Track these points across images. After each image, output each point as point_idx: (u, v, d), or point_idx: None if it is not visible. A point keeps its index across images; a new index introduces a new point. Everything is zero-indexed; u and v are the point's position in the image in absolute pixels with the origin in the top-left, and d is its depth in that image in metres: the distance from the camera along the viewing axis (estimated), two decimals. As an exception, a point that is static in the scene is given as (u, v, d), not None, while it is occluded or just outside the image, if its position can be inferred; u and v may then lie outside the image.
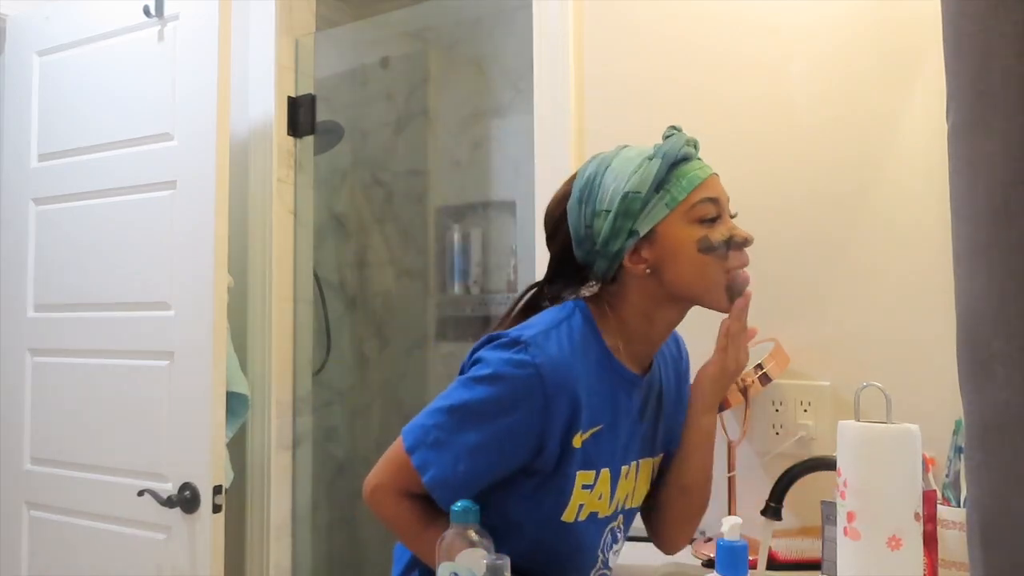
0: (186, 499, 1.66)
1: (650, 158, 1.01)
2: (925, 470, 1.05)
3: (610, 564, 1.13)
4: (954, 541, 1.13)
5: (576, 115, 1.70)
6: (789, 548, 1.32)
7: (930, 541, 1.03)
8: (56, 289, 1.91)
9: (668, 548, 1.20)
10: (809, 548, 1.30)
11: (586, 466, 1.02)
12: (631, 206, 1.00)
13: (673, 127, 1.07)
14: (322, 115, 2.24)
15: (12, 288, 1.98)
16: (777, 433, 1.48)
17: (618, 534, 1.12)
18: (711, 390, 1.09)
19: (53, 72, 1.95)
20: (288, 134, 2.17)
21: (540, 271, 1.29)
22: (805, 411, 1.46)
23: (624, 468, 1.07)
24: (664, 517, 1.16)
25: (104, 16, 1.87)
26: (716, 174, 1.04)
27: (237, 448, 2.05)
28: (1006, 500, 0.58)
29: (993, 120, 0.59)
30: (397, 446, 1.02)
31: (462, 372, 1.03)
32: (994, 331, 0.58)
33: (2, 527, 1.96)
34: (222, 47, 1.71)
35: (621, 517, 1.11)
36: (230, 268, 1.79)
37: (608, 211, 1.01)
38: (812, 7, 1.48)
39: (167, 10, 1.77)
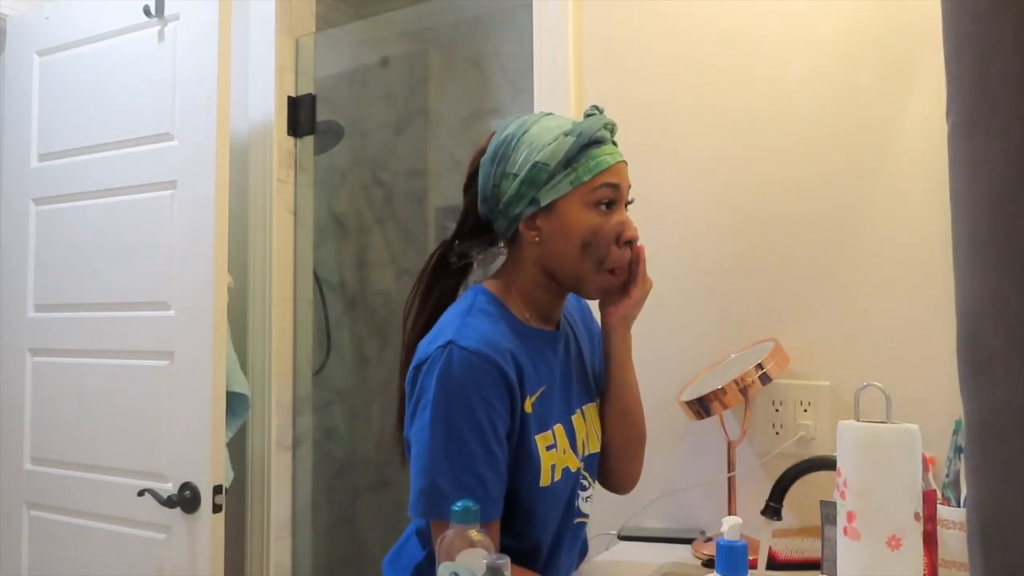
0: (186, 499, 1.66)
1: (566, 134, 1.04)
2: (925, 470, 1.05)
3: (583, 511, 1.16)
4: (954, 541, 1.13)
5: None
6: (789, 548, 1.32)
7: (930, 541, 1.02)
8: (56, 289, 1.91)
9: (622, 486, 1.24)
10: (809, 548, 1.30)
11: (541, 428, 1.05)
12: (538, 176, 1.04)
13: (595, 107, 1.09)
14: (322, 115, 2.24)
15: (12, 288, 1.97)
16: (777, 433, 1.48)
17: (584, 482, 1.15)
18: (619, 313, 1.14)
19: (53, 72, 1.95)
20: (288, 134, 2.17)
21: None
22: (805, 411, 1.46)
23: (573, 418, 1.12)
24: (611, 452, 1.20)
25: (104, 16, 1.86)
26: (625, 162, 1.07)
27: (237, 448, 2.05)
28: (1006, 500, 0.58)
29: (993, 120, 0.59)
30: (432, 527, 1.01)
31: (409, 398, 1.03)
32: (994, 331, 0.58)
33: (2, 527, 1.96)
34: (222, 47, 1.71)
35: (583, 464, 1.14)
36: (230, 268, 1.79)
37: (516, 175, 1.05)
38: (813, 7, 1.48)
39: (167, 10, 1.77)
